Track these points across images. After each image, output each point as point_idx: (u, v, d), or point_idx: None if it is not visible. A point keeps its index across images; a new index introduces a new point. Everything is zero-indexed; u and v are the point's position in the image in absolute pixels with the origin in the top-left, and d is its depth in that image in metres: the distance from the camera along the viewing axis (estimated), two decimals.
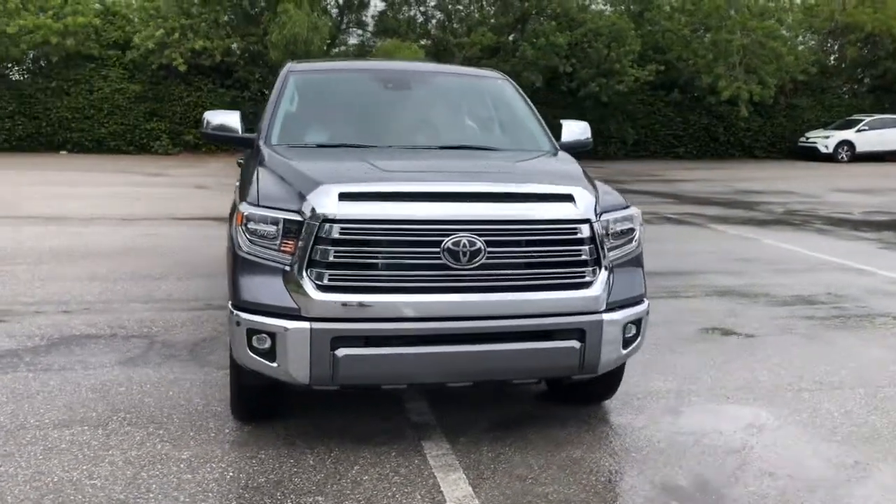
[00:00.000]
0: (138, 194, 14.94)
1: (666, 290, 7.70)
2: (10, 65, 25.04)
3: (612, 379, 4.48)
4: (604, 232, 3.97)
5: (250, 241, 3.81)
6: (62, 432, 4.11)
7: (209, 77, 25.76)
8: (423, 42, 26.53)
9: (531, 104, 5.42)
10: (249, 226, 3.81)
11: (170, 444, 4.03)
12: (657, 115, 28.53)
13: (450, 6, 26.91)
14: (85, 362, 5.21)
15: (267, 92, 6.31)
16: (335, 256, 3.63)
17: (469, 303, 3.72)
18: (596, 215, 3.93)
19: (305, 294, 3.62)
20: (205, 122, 5.12)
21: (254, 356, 3.73)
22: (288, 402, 4.44)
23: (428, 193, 3.77)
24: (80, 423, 4.23)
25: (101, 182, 17.01)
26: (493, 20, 26.79)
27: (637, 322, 4.10)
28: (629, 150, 27.93)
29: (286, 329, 3.62)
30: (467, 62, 25.03)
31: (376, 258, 3.66)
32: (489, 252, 3.70)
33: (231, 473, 3.73)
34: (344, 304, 3.63)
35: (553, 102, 26.80)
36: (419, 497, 3.56)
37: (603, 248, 3.93)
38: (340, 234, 3.63)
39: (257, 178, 4.14)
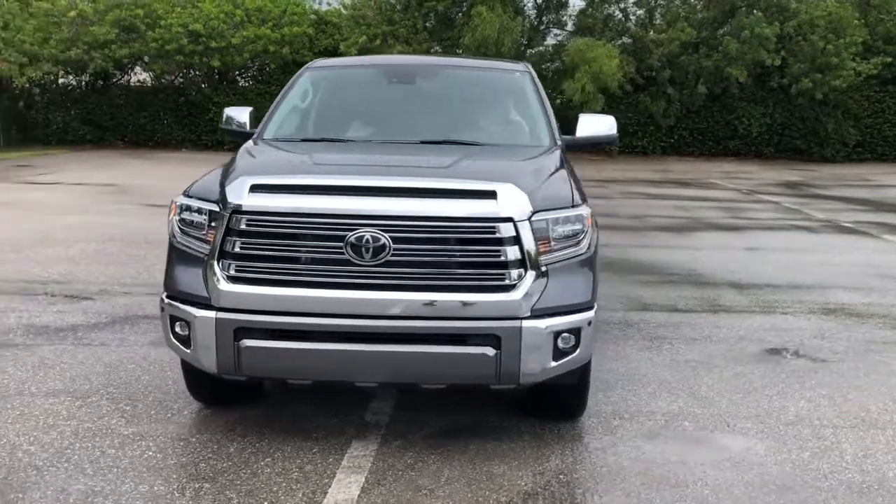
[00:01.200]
0: None
1: (763, 304, 6.92)
2: (236, 72, 27.59)
3: (568, 392, 4.13)
4: (539, 232, 3.67)
5: (181, 230, 3.95)
6: (45, 401, 4.51)
7: None
8: (622, 40, 25.76)
9: (543, 97, 5.11)
10: (183, 216, 3.95)
11: (125, 419, 4.28)
12: (886, 113, 25.44)
13: (651, 2, 25.85)
14: (124, 340, 5.66)
15: None
16: (242, 247, 3.68)
17: (373, 300, 3.60)
18: (529, 214, 3.64)
19: (215, 284, 3.69)
20: (225, 117, 5.37)
21: (175, 342, 3.87)
22: (263, 389, 4.58)
23: (335, 187, 3.71)
24: (67, 394, 4.61)
25: None
26: (699, 14, 25.39)
27: (575, 331, 3.73)
28: (850, 152, 25.20)
29: (195, 317, 3.72)
30: (664, 59, 23.99)
31: (281, 251, 3.66)
32: (395, 249, 3.56)
33: (150, 453, 3.89)
34: (249, 296, 3.66)
35: (761, 100, 24.95)
36: (300, 495, 3.51)
37: (533, 249, 3.63)
38: (247, 225, 3.67)
39: (210, 171, 4.29)
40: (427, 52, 25.46)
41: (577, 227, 3.84)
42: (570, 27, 26.84)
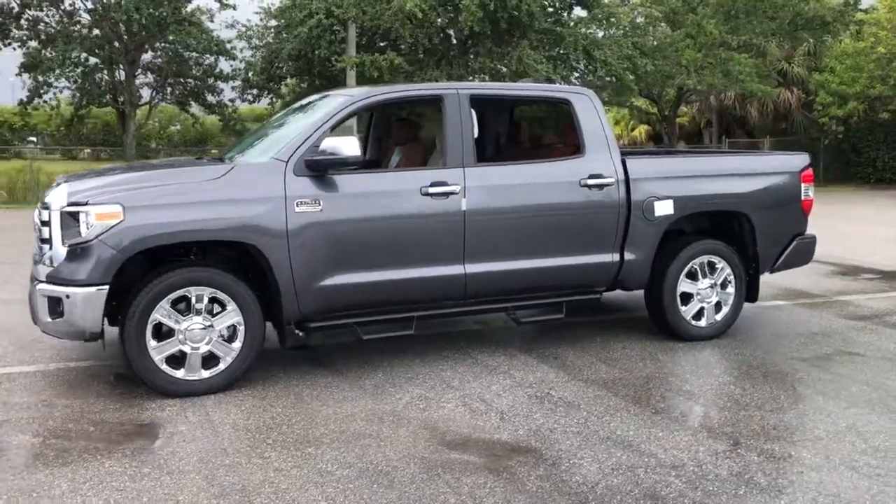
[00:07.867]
0: None
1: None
2: None
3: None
4: (65, 222, 4.68)
5: None
6: None
7: None
8: None
9: (327, 121, 5.06)
10: None
11: None
12: None
13: None
14: None
15: None
16: None
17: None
18: (61, 207, 4.69)
19: None
20: None
21: None
22: None
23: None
24: None
25: None
26: None
27: (58, 300, 4.64)
28: None
29: None
30: None
31: None
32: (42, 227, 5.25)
33: None
34: None
35: None
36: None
37: (56, 232, 4.70)
38: None
39: None
40: None
41: (85, 219, 4.61)
42: None
